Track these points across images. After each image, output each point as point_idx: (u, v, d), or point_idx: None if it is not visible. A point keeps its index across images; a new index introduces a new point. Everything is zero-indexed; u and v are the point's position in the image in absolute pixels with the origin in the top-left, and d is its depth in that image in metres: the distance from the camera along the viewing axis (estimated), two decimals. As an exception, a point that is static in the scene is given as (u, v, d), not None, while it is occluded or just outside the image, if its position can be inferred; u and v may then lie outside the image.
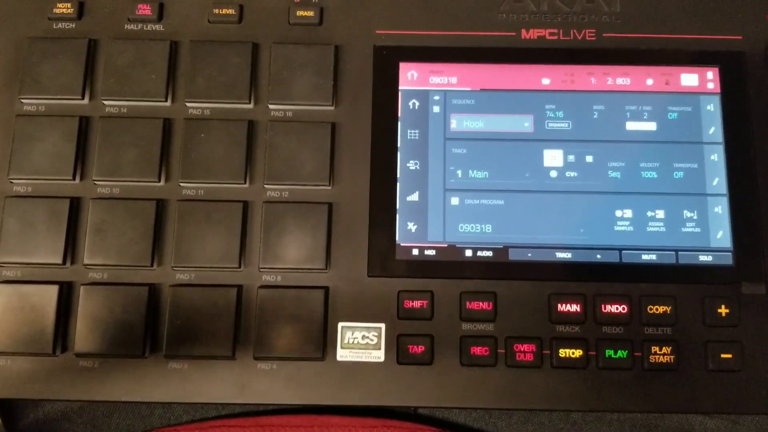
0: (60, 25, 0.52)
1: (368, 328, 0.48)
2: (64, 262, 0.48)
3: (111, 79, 0.51)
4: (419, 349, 0.47)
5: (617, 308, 0.47)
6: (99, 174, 0.49)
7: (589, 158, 0.49)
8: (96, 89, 0.51)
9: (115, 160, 0.49)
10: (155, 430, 0.51)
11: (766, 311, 0.47)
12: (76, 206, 0.49)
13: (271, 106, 0.51)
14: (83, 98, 0.51)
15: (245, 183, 0.49)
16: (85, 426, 0.53)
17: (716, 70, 0.51)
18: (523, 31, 0.52)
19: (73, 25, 0.52)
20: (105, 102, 0.51)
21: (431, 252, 0.48)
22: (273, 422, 0.50)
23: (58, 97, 0.50)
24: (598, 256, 0.48)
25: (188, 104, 0.51)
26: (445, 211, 0.49)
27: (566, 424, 0.52)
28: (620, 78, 0.51)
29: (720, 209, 0.49)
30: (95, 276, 0.48)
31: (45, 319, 0.47)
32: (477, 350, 0.47)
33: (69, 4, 0.52)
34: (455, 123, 0.50)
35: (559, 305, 0.47)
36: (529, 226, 0.49)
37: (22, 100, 0.51)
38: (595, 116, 0.50)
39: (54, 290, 0.48)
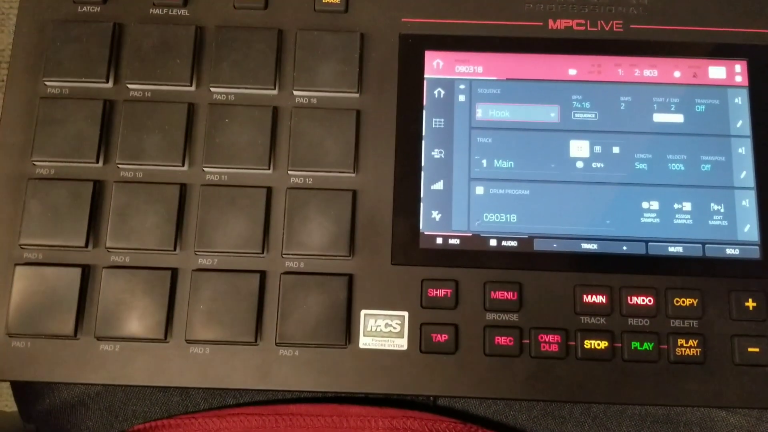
0: (85, 9, 0.52)
1: (391, 316, 0.47)
2: (87, 245, 0.48)
3: (135, 63, 0.50)
4: (443, 337, 0.47)
5: (643, 300, 0.47)
6: (122, 158, 0.49)
7: (615, 149, 0.49)
8: (120, 73, 0.51)
9: (138, 144, 0.49)
10: (173, 418, 0.50)
11: (794, 305, 0.47)
12: (99, 189, 0.49)
13: (295, 93, 0.50)
14: (107, 81, 0.50)
15: (269, 169, 0.49)
16: (101, 412, 0.53)
17: (744, 63, 0.50)
18: (550, 21, 0.51)
19: (98, 9, 0.52)
20: (129, 86, 0.50)
21: (455, 241, 0.48)
22: (292, 411, 0.49)
23: (83, 80, 0.50)
24: (624, 248, 0.48)
25: (213, 89, 0.50)
26: (470, 201, 0.49)
27: (587, 418, 0.51)
28: (647, 70, 0.50)
29: (747, 203, 0.48)
30: (117, 259, 0.48)
31: (67, 302, 0.47)
32: (501, 340, 0.46)
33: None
34: (481, 112, 0.50)
35: (584, 296, 0.47)
36: (554, 216, 0.48)
37: (46, 83, 0.50)
38: (622, 107, 0.50)
39: (76, 273, 0.47)
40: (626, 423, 0.51)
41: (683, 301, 0.47)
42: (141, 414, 0.53)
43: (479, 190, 0.49)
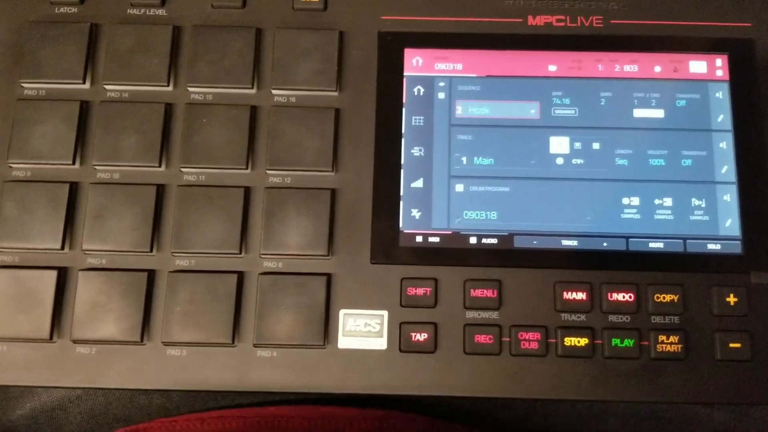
0: (62, 10, 0.52)
1: (371, 316, 0.47)
2: (63, 248, 0.47)
3: (112, 63, 0.50)
4: (422, 337, 0.46)
5: (624, 296, 0.46)
6: (99, 159, 0.49)
7: (596, 145, 0.49)
8: (97, 74, 0.50)
9: (115, 145, 0.49)
10: (155, 421, 0.50)
11: (775, 300, 0.46)
12: (75, 191, 0.49)
13: (274, 92, 0.50)
14: (84, 82, 0.50)
15: (247, 168, 0.49)
16: (82, 416, 0.53)
17: (725, 57, 0.50)
18: (530, 18, 0.51)
19: (75, 10, 0.52)
20: (106, 86, 0.50)
21: (435, 239, 0.48)
22: (274, 413, 0.49)
23: (59, 81, 0.50)
24: (605, 244, 0.47)
25: (190, 89, 0.50)
26: (450, 198, 0.48)
27: (571, 417, 0.51)
28: (628, 65, 0.50)
29: (729, 197, 0.48)
30: (94, 262, 0.48)
31: (43, 305, 0.46)
32: (481, 338, 0.46)
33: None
34: (460, 109, 0.50)
35: (564, 293, 0.46)
36: (534, 213, 0.48)
37: (23, 84, 0.50)
38: (602, 103, 0.49)
39: (52, 275, 0.47)
40: (610, 420, 0.51)
41: (664, 297, 0.46)
42: (122, 418, 0.53)
43: (459, 187, 0.49)
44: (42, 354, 0.47)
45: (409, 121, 0.50)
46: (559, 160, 0.49)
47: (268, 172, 0.49)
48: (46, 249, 0.47)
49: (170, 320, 0.46)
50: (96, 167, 0.49)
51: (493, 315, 0.47)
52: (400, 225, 0.48)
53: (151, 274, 0.47)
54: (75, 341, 0.46)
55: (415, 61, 0.50)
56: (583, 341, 0.46)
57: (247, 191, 0.48)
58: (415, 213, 0.48)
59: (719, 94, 0.49)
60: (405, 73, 0.50)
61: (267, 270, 0.47)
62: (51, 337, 0.46)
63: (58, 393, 0.53)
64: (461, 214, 0.48)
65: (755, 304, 0.46)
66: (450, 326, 0.46)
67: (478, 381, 0.46)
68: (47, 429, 0.53)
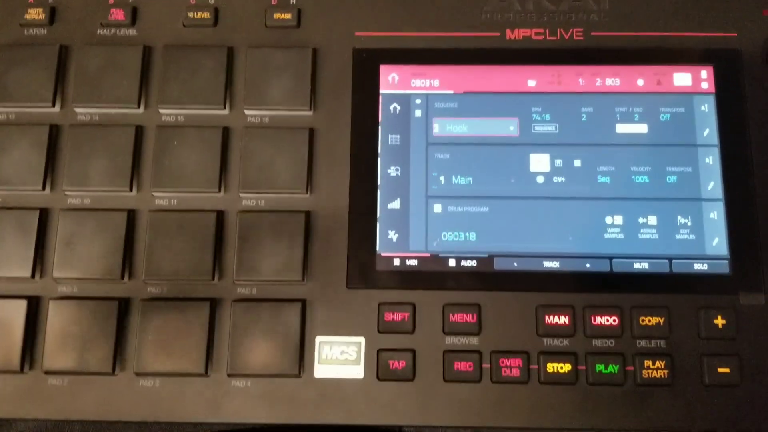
0: (31, 32, 0.51)
1: (347, 343, 0.46)
2: (33, 276, 0.46)
3: (82, 85, 0.49)
4: (400, 364, 0.45)
5: (608, 320, 0.45)
6: (69, 184, 0.48)
7: (577, 162, 0.47)
8: (67, 96, 0.49)
9: (85, 170, 0.48)
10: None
11: (765, 323, 0.45)
12: (45, 217, 0.48)
13: (246, 112, 0.49)
14: (54, 106, 0.49)
15: (219, 192, 0.47)
16: (59, 445, 0.52)
17: (710, 69, 0.48)
18: (508, 31, 0.50)
19: (45, 31, 0.51)
20: (76, 109, 0.49)
21: (413, 262, 0.46)
22: (252, 441, 0.48)
23: (28, 105, 0.49)
24: (588, 265, 0.46)
25: (161, 111, 0.49)
26: (428, 219, 0.47)
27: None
28: (609, 78, 0.48)
29: (715, 215, 0.46)
30: (65, 290, 0.47)
31: (12, 335, 0.46)
32: (461, 365, 0.45)
33: (40, 10, 0.51)
34: (438, 127, 0.48)
35: (546, 317, 0.45)
36: (514, 234, 0.46)
37: (-8, 109, 0.49)
38: (583, 119, 0.48)
39: (22, 305, 0.46)
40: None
41: (649, 320, 0.45)
42: (100, 446, 0.52)
43: (437, 208, 0.47)
44: (13, 385, 0.46)
45: (386, 140, 0.48)
46: (540, 179, 0.47)
47: (241, 194, 0.48)
48: (15, 277, 0.46)
49: (142, 350, 0.45)
50: (66, 192, 0.48)
51: (473, 341, 0.45)
52: (377, 248, 0.47)
53: (123, 303, 0.46)
54: (47, 372, 0.45)
55: (391, 78, 0.49)
56: (566, 367, 0.44)
57: (220, 215, 0.47)
58: (393, 235, 0.47)
59: (705, 107, 0.48)
60: (381, 91, 0.49)
61: (240, 296, 0.46)
62: (22, 369, 0.45)
63: (33, 424, 0.52)
64: (439, 236, 0.47)
65: (744, 327, 0.45)
66: (429, 353, 0.45)
67: (458, 410, 0.45)
68: (25, 457, 0.52)
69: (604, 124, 0.48)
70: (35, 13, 0.51)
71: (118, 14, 0.51)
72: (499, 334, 0.45)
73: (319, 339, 0.46)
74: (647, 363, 0.44)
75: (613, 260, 0.46)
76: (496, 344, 0.45)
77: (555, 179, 0.47)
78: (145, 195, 0.48)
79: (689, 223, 0.46)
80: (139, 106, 0.49)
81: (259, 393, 0.45)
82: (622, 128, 0.48)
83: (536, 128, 0.48)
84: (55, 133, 0.49)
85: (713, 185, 0.47)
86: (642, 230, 0.46)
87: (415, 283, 0.46)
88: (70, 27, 0.51)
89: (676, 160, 0.47)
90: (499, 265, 0.46)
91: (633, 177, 0.47)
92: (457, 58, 0.49)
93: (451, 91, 0.49)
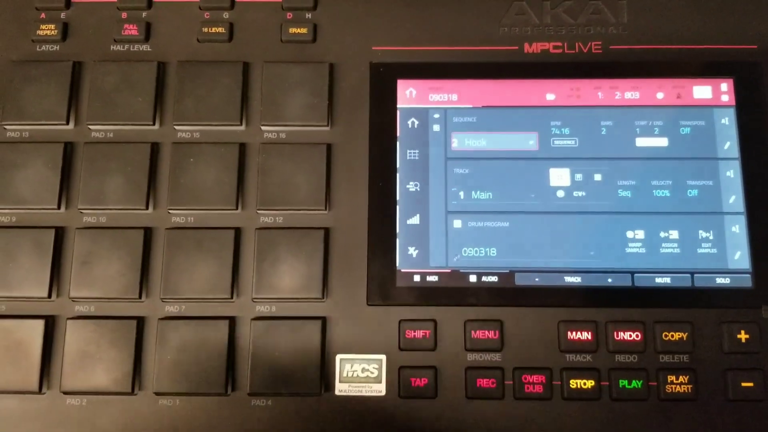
0: (44, 48, 0.50)
1: (368, 360, 0.45)
2: (50, 296, 0.46)
3: (96, 102, 0.48)
4: (422, 381, 0.45)
5: (631, 335, 0.45)
6: (84, 202, 0.47)
7: (597, 177, 0.47)
8: (81, 114, 0.49)
9: (101, 188, 0.47)
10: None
11: (789, 337, 0.45)
12: (61, 236, 0.47)
13: (263, 128, 0.48)
14: (68, 123, 0.49)
15: (237, 209, 0.47)
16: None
17: (731, 81, 0.48)
18: (526, 45, 0.49)
19: (57, 48, 0.50)
20: (90, 127, 0.49)
21: (433, 278, 0.46)
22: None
23: (42, 122, 0.48)
24: (610, 280, 0.45)
25: (177, 127, 0.48)
26: (448, 235, 0.47)
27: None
28: (629, 92, 0.48)
29: (737, 228, 0.46)
30: (82, 309, 0.46)
31: (30, 356, 0.45)
32: (483, 382, 0.44)
33: (53, 26, 0.50)
34: (456, 142, 0.48)
35: (569, 333, 0.45)
36: (535, 249, 0.46)
37: (5, 127, 0.49)
38: (603, 132, 0.48)
39: (39, 325, 0.46)
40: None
41: (672, 335, 0.44)
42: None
43: (457, 223, 0.47)
44: (31, 406, 0.45)
45: (404, 155, 0.48)
46: (560, 193, 0.47)
47: (258, 212, 0.47)
48: (32, 297, 0.46)
49: (161, 369, 0.45)
50: (82, 211, 0.47)
51: (495, 357, 0.45)
52: (397, 264, 0.46)
53: (141, 322, 0.46)
54: (65, 392, 0.45)
55: (409, 93, 0.49)
56: (589, 383, 0.44)
57: (238, 232, 0.47)
58: (412, 251, 0.47)
59: (725, 120, 0.48)
60: (398, 105, 0.48)
61: (260, 315, 0.46)
62: (40, 389, 0.45)
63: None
64: (460, 251, 0.46)
65: (768, 341, 0.45)
66: (451, 370, 0.45)
67: (481, 427, 0.44)
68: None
69: (624, 137, 0.47)
70: (48, 29, 0.50)
71: (131, 29, 0.50)
72: (521, 350, 0.45)
73: (339, 357, 0.45)
74: (671, 378, 0.44)
75: (635, 275, 0.46)
76: (518, 360, 0.45)
77: (575, 194, 0.47)
78: (161, 213, 0.47)
79: (711, 237, 0.46)
80: (154, 123, 0.48)
81: (280, 411, 0.45)
82: (642, 142, 0.47)
83: (556, 142, 0.48)
84: (69, 150, 0.48)
85: (735, 199, 0.46)
86: (663, 244, 0.46)
87: (435, 300, 0.46)
88: (83, 43, 0.50)
89: (697, 174, 0.47)
90: (520, 280, 0.46)
91: (654, 191, 0.47)
92: (475, 72, 0.49)
93: (470, 106, 0.48)
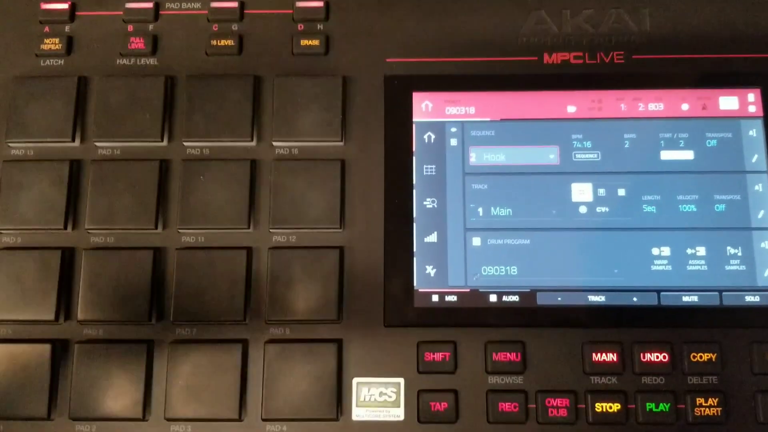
0: (48, 62, 0.49)
1: (386, 384, 0.44)
2: (57, 319, 0.45)
3: (103, 119, 0.47)
4: (442, 405, 0.43)
5: (657, 356, 0.43)
6: (92, 222, 0.46)
7: (621, 191, 0.46)
8: (87, 130, 0.48)
9: (108, 207, 0.46)
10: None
11: (822, 358, 0.43)
12: (68, 257, 0.46)
13: (275, 144, 0.47)
14: (74, 140, 0.47)
15: (249, 228, 0.46)
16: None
17: (758, 91, 0.47)
18: (546, 56, 0.48)
19: (62, 62, 0.49)
20: (97, 144, 0.47)
21: (452, 298, 0.45)
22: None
23: (47, 140, 0.47)
24: (635, 299, 0.44)
25: (186, 144, 0.47)
26: (467, 253, 0.45)
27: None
28: (652, 103, 0.47)
29: (767, 245, 0.44)
30: (90, 333, 0.45)
31: (38, 381, 0.44)
32: (505, 406, 0.43)
33: (57, 39, 0.49)
34: (474, 156, 0.47)
35: (593, 354, 0.43)
36: (557, 267, 0.45)
37: (10, 144, 0.47)
38: (626, 146, 0.46)
39: (46, 349, 0.44)
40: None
41: (701, 356, 0.43)
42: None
43: (476, 241, 0.45)
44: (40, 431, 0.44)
45: (420, 170, 0.46)
46: (582, 209, 0.45)
47: (271, 230, 0.46)
48: (39, 321, 0.45)
49: (173, 394, 0.44)
50: (89, 231, 0.46)
51: (518, 380, 0.43)
52: (415, 284, 0.45)
53: (151, 345, 0.45)
54: (74, 419, 0.44)
55: (425, 106, 0.47)
56: (615, 406, 0.43)
57: (250, 252, 0.46)
58: (430, 270, 0.45)
59: (753, 132, 0.46)
60: (414, 119, 0.47)
61: (274, 337, 0.45)
62: (49, 416, 0.44)
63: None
64: (479, 270, 0.45)
65: (800, 362, 0.43)
66: (471, 393, 0.43)
67: (503, 453, 0.43)
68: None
69: (648, 150, 0.46)
70: (52, 43, 0.49)
71: (138, 43, 0.49)
72: (544, 372, 0.44)
73: (356, 380, 0.44)
74: (699, 400, 0.43)
75: (661, 293, 0.44)
76: (541, 383, 0.43)
77: (598, 209, 0.45)
78: (171, 232, 0.46)
79: (739, 254, 0.44)
80: (162, 140, 0.47)
81: (295, 438, 0.43)
82: (666, 155, 0.46)
83: (577, 156, 0.46)
84: (75, 169, 0.47)
85: (764, 213, 0.45)
86: (690, 261, 0.44)
87: (455, 320, 0.44)
88: (88, 57, 0.49)
89: (724, 188, 0.45)
90: (542, 300, 0.44)
91: (680, 206, 0.45)
92: (493, 84, 0.47)
93: (488, 119, 0.47)
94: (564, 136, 0.46)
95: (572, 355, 0.44)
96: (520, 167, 0.46)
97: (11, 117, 0.47)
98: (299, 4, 0.49)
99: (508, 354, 0.44)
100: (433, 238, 0.46)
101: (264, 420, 0.43)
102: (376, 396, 0.44)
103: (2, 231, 0.46)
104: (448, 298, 0.45)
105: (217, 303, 0.44)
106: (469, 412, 0.43)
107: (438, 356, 0.44)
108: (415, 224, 0.46)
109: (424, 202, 0.46)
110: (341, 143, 0.47)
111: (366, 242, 0.46)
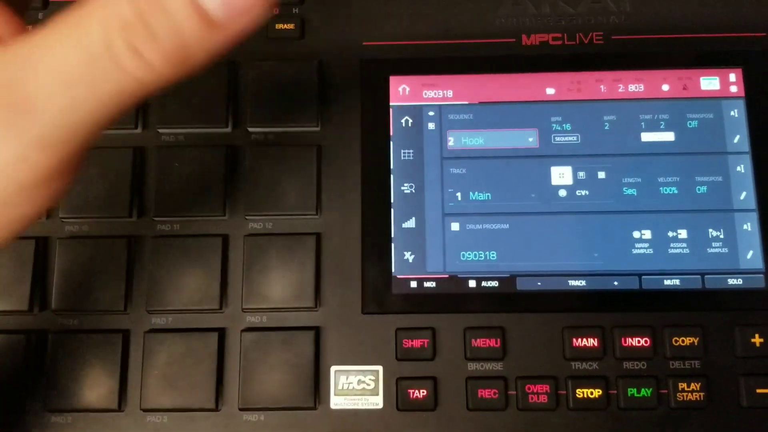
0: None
1: (364, 372, 0.43)
2: (31, 309, 0.44)
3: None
4: (421, 393, 0.43)
5: (639, 341, 0.42)
6: (67, 211, 0.45)
7: (601, 174, 0.45)
8: (60, 118, 0.47)
9: (83, 196, 0.45)
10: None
11: (805, 340, 0.42)
12: (42, 248, 0.45)
13: (250, 129, 0.46)
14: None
15: (224, 215, 0.45)
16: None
17: (739, 71, 0.46)
18: (524, 37, 0.47)
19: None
20: (71, 132, 0.46)
21: (431, 284, 0.44)
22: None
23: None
24: (616, 283, 0.43)
25: (160, 131, 0.46)
26: (445, 238, 0.45)
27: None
28: (632, 84, 0.46)
29: (749, 226, 0.44)
30: (66, 323, 0.44)
31: (12, 373, 0.43)
32: (485, 393, 0.42)
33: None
34: (452, 140, 0.46)
35: (574, 340, 0.43)
36: (537, 251, 0.44)
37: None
38: (606, 128, 0.45)
39: (21, 340, 0.44)
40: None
41: (683, 340, 0.42)
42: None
43: (455, 226, 0.45)
44: (15, 425, 0.43)
45: (398, 155, 0.46)
46: (562, 192, 0.45)
47: (246, 218, 0.45)
48: (12, 311, 0.44)
49: (149, 385, 0.43)
50: (63, 220, 0.45)
51: (497, 366, 0.43)
52: (393, 270, 0.44)
53: (126, 335, 0.44)
54: (50, 410, 0.43)
55: (402, 90, 0.47)
56: (596, 392, 0.42)
57: (225, 240, 0.45)
58: (408, 256, 0.44)
59: (734, 113, 0.45)
60: (391, 103, 0.46)
61: (250, 326, 0.44)
62: (24, 407, 0.43)
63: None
64: (458, 256, 0.44)
65: (783, 345, 0.42)
66: (451, 380, 0.43)
67: (483, 440, 0.42)
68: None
69: (629, 132, 0.45)
70: (25, 31, 0.48)
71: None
72: (524, 358, 0.43)
73: (334, 368, 0.43)
74: (681, 385, 0.42)
75: (643, 277, 0.43)
76: (521, 369, 0.43)
77: (578, 192, 0.45)
78: (146, 221, 0.46)
79: (721, 236, 0.44)
80: (137, 127, 0.46)
81: (273, 427, 0.43)
82: (647, 137, 0.45)
83: (557, 139, 0.45)
84: (49, 157, 0.46)
85: (746, 195, 0.44)
86: (672, 244, 0.44)
87: (433, 307, 0.44)
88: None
89: (706, 169, 0.45)
90: (521, 285, 0.44)
91: (660, 188, 0.44)
92: (470, 66, 0.46)
93: (466, 102, 0.46)
94: (543, 118, 0.46)
95: (552, 340, 0.43)
96: (499, 151, 0.46)
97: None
98: (274, -12, 0.48)
99: (487, 340, 0.43)
100: (411, 223, 0.45)
101: (241, 410, 0.43)
102: (355, 384, 0.43)
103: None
104: (427, 284, 0.44)
105: (193, 291, 0.44)
106: (448, 400, 0.43)
107: (417, 343, 0.43)
108: (392, 210, 0.45)
109: (402, 188, 0.45)
110: (317, 128, 0.46)
111: (343, 228, 0.45)
